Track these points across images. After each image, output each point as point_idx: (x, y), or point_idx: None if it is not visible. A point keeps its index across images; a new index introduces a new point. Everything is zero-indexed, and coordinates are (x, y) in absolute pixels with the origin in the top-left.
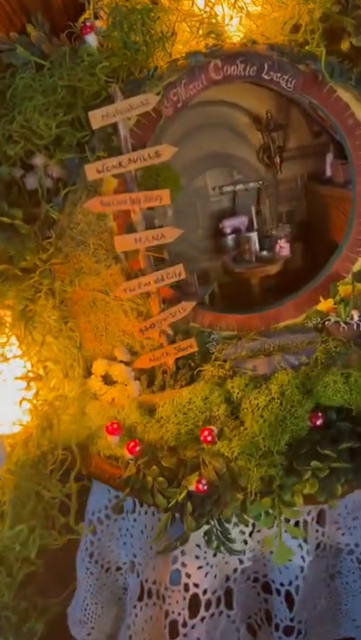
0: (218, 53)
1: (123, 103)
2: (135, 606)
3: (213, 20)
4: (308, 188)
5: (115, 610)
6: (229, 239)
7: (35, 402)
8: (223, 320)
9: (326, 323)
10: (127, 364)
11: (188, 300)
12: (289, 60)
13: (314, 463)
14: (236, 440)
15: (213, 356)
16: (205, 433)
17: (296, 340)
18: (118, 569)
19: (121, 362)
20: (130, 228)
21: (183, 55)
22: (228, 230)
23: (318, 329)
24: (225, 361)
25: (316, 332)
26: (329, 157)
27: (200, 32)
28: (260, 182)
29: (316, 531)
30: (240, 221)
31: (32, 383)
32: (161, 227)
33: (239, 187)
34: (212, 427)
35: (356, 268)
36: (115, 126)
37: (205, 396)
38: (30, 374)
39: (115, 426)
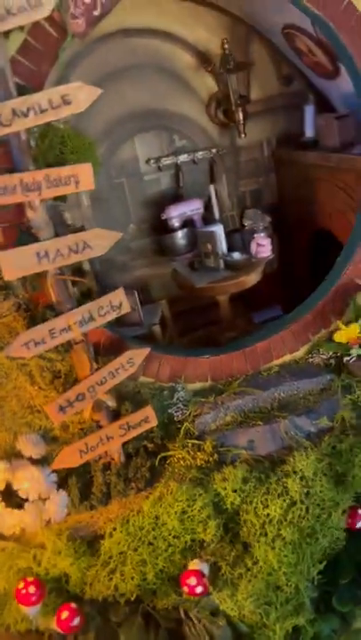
0: None
1: None
2: None
3: None
4: (280, 157)
5: None
6: (180, 236)
7: None
8: (190, 366)
9: (345, 359)
10: (41, 462)
11: (133, 330)
12: None
13: None
14: (245, 582)
15: (183, 430)
16: (192, 581)
17: (304, 387)
18: None
19: (30, 460)
20: (25, 237)
21: None
22: (176, 223)
23: (331, 367)
24: (200, 437)
25: (328, 372)
26: (309, 111)
27: None
28: (214, 151)
29: None
30: (192, 208)
31: None
32: (81, 228)
33: (183, 157)
34: (198, 565)
35: None
36: None
37: (182, 510)
38: None
39: (31, 589)
